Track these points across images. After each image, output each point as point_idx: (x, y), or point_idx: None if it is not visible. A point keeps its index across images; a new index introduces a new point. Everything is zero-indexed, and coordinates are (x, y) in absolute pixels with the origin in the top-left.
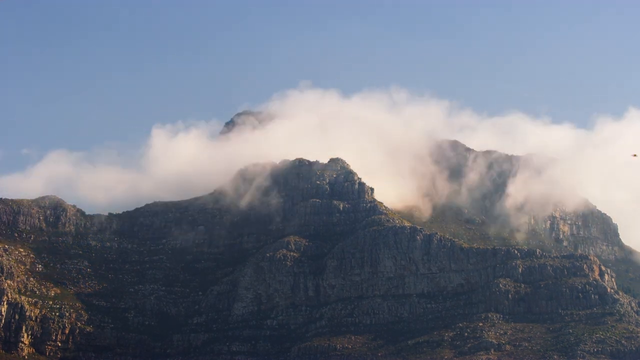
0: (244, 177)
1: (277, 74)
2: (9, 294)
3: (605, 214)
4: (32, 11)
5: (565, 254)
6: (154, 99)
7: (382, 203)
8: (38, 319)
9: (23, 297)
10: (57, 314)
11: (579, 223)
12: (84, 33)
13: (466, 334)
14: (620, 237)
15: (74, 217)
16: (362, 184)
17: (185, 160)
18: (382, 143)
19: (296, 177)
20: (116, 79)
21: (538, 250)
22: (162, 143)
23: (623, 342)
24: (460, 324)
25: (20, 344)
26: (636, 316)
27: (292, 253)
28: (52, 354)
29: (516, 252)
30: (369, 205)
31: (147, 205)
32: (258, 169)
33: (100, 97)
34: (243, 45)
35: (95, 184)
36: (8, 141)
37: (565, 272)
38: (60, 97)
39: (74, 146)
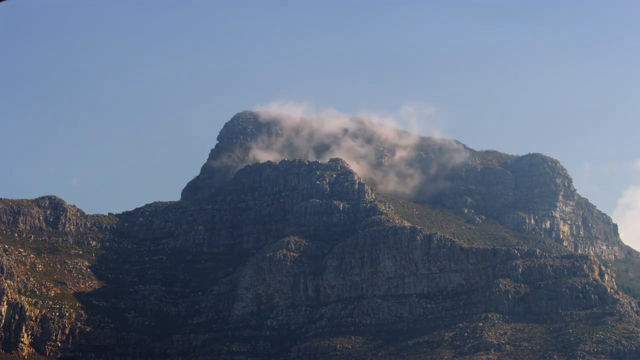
0: (244, 176)
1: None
2: (9, 294)
3: (605, 214)
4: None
5: (565, 254)
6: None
7: (382, 203)
8: (38, 319)
9: (23, 297)
10: (57, 314)
11: (579, 223)
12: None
13: (466, 334)
14: (620, 237)
15: (74, 217)
16: (362, 184)
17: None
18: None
19: (296, 177)
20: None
21: (538, 250)
22: None
23: (623, 342)
24: (460, 324)
25: (20, 344)
26: (636, 316)
27: (292, 253)
28: (52, 354)
29: (516, 252)
30: (369, 205)
31: (147, 205)
32: (258, 169)
33: None
34: (244, 45)
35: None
36: None
37: (565, 272)
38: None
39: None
